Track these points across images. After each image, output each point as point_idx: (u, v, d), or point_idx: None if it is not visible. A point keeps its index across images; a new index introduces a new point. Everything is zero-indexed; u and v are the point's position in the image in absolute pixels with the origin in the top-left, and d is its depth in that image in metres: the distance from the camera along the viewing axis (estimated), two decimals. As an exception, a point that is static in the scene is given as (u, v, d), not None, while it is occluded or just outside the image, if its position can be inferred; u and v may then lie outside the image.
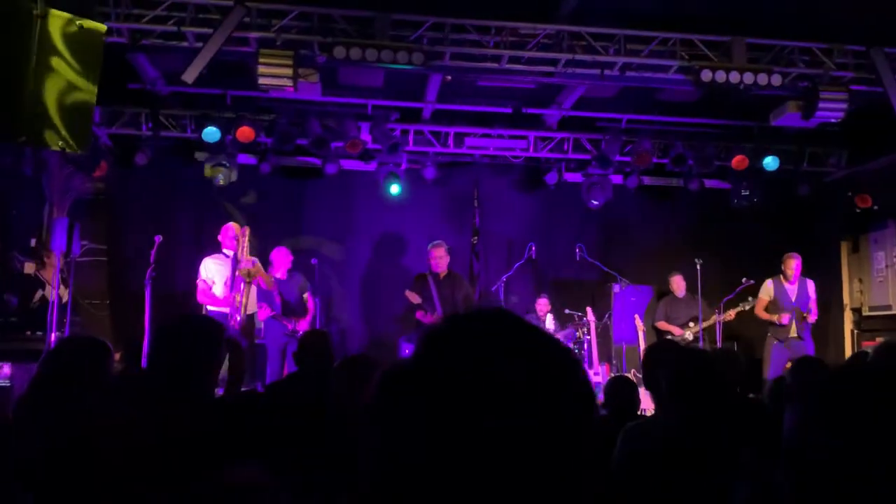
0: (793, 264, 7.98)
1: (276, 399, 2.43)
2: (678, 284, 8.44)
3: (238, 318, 6.73)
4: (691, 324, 8.25)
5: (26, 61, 4.70)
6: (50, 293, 7.35)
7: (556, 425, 0.74)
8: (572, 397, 0.77)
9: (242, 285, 6.78)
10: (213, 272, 6.95)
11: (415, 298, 7.31)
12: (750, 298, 8.13)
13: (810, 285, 8.11)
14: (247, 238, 6.88)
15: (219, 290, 6.91)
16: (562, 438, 0.74)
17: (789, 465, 1.04)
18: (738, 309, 8.14)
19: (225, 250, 7.01)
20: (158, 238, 6.84)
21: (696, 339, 8.17)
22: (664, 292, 8.77)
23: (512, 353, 0.76)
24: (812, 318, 7.95)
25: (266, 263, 7.64)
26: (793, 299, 7.98)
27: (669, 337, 8.29)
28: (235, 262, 6.85)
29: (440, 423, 0.72)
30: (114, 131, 8.35)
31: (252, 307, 7.04)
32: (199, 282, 6.99)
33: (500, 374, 0.74)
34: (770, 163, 8.70)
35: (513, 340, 0.78)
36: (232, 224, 7.07)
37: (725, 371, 4.13)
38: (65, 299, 7.18)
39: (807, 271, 8.18)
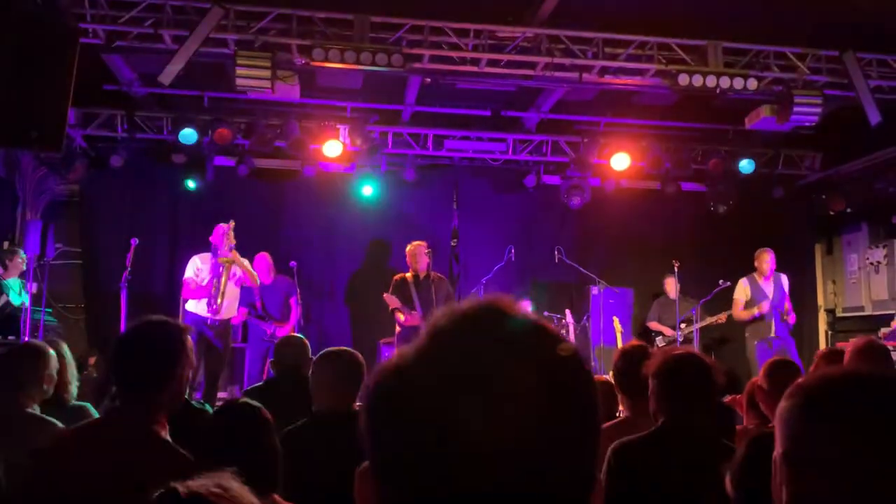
0: (767, 258, 7.98)
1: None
2: (671, 286, 8.49)
3: (215, 307, 6.68)
4: (683, 325, 8.30)
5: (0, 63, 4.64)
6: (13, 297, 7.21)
7: (562, 432, 0.72)
8: (581, 403, 0.75)
9: (221, 269, 6.75)
10: (203, 271, 6.87)
11: (393, 302, 7.24)
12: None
13: (784, 280, 8.11)
14: (230, 231, 6.83)
15: (199, 305, 6.84)
16: (566, 447, 0.73)
17: (793, 473, 1.03)
18: (730, 312, 8.20)
19: (215, 249, 6.94)
20: (135, 241, 6.78)
21: (686, 340, 8.21)
22: (657, 293, 8.82)
23: (516, 352, 0.74)
24: (792, 320, 7.98)
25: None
26: (769, 295, 8.00)
27: (661, 338, 8.34)
28: (218, 262, 6.82)
29: (438, 425, 0.70)
30: (89, 132, 8.26)
31: (231, 311, 6.98)
32: (185, 279, 6.92)
33: (503, 374, 0.72)
34: (745, 166, 8.80)
35: (518, 338, 0.76)
36: (221, 224, 6.99)
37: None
38: (27, 304, 7.06)
39: (780, 270, 8.22)
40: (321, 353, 3.28)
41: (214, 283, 6.73)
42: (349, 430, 2.72)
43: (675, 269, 8.09)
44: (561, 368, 0.75)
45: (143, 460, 2.02)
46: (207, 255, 6.97)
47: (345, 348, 3.34)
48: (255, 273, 7.15)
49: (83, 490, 1.89)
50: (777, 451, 1.09)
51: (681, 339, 8.19)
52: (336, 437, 2.69)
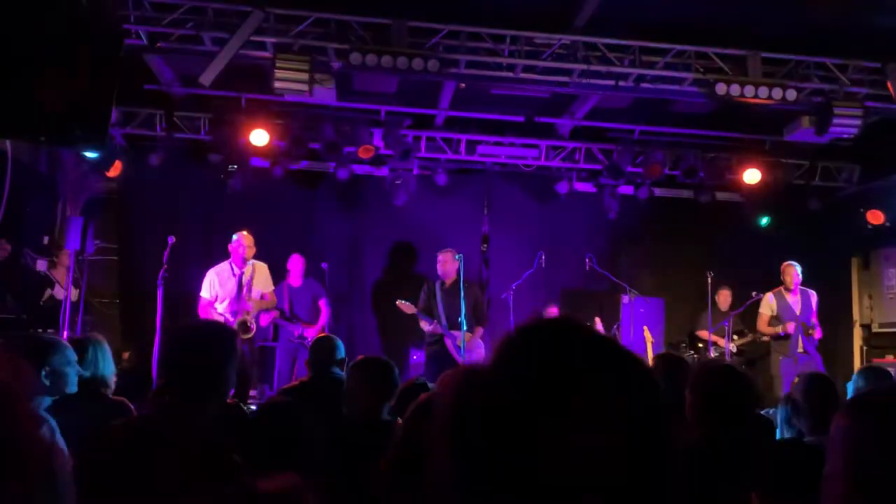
0: (792, 272, 7.88)
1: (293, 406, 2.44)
2: (725, 298, 8.39)
3: (237, 308, 6.88)
4: (735, 336, 8.23)
5: (45, 62, 4.74)
6: (59, 292, 7.38)
7: (646, 446, 0.73)
8: (659, 417, 0.76)
9: (241, 277, 6.89)
10: (217, 287, 6.98)
11: (407, 309, 7.25)
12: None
13: (812, 296, 8.00)
14: (243, 241, 6.94)
15: (222, 306, 6.94)
16: (650, 461, 0.73)
17: (855, 492, 1.02)
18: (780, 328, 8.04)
19: (233, 265, 7.03)
20: (171, 239, 6.87)
21: (739, 352, 8.17)
22: (697, 305, 8.71)
23: (594, 368, 0.75)
24: (818, 335, 7.84)
25: (282, 271, 7.72)
26: (797, 311, 7.89)
27: (713, 347, 8.26)
28: (240, 282, 6.91)
29: (519, 439, 0.71)
30: (128, 131, 8.40)
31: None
32: (201, 296, 7.03)
33: (587, 391, 0.73)
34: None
35: (596, 354, 0.77)
36: (240, 236, 7.07)
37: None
38: (75, 299, 7.21)
39: (813, 285, 8.11)
40: (357, 359, 3.32)
41: (238, 287, 6.87)
42: (381, 437, 2.75)
43: (709, 280, 8.00)
44: (639, 384, 0.77)
45: (191, 457, 2.06)
46: (225, 271, 7.06)
47: (379, 357, 3.39)
48: (273, 302, 7.29)
49: (130, 484, 1.93)
50: (834, 468, 1.08)
51: (733, 351, 8.13)
52: (364, 443, 2.72)
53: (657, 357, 3.60)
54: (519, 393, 0.74)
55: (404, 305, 7.24)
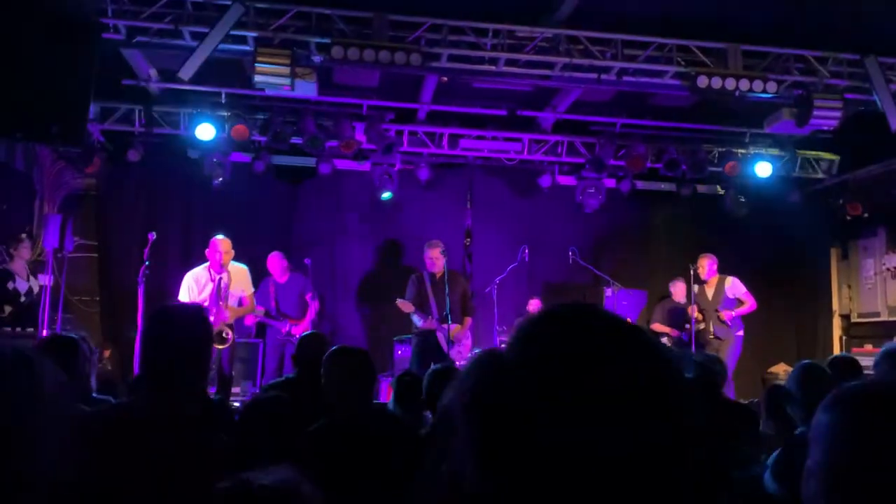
0: (705, 263, 8.14)
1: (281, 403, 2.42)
2: (680, 290, 8.49)
3: (216, 312, 6.78)
4: (686, 326, 8.30)
5: (22, 57, 4.66)
6: (21, 284, 7.23)
7: (666, 428, 0.72)
8: (680, 398, 0.75)
9: (219, 282, 6.81)
10: (195, 292, 6.84)
11: (407, 308, 7.20)
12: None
13: (728, 282, 8.18)
14: (219, 246, 6.83)
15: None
16: (669, 443, 0.73)
17: (835, 486, 1.02)
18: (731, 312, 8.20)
19: (210, 270, 6.91)
20: (152, 235, 6.81)
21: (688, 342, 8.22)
22: (664, 295, 8.80)
23: (616, 357, 0.74)
24: (727, 318, 8.00)
25: (262, 272, 7.67)
26: (710, 299, 8.18)
27: (666, 338, 8.31)
28: (218, 288, 6.84)
29: (537, 428, 0.71)
30: (107, 127, 8.29)
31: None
32: (179, 300, 6.89)
33: (606, 375, 0.72)
34: (762, 168, 8.76)
35: (619, 341, 0.76)
36: (216, 241, 6.93)
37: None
38: (35, 290, 7.10)
39: (793, 275, 8.19)
40: (332, 350, 3.29)
41: (216, 293, 6.77)
42: (369, 429, 2.73)
43: (691, 272, 8.06)
44: (659, 366, 0.76)
45: (174, 445, 2.03)
46: (203, 275, 6.92)
47: (354, 347, 3.36)
48: (252, 306, 7.22)
49: (112, 474, 1.90)
50: (814, 463, 1.08)
51: (686, 339, 8.24)
52: (357, 435, 2.70)
53: None
54: (542, 377, 0.74)
55: (403, 304, 7.17)
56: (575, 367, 0.73)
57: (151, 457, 1.95)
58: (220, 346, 6.58)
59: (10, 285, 7.23)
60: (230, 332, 6.77)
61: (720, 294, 8.19)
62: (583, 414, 0.71)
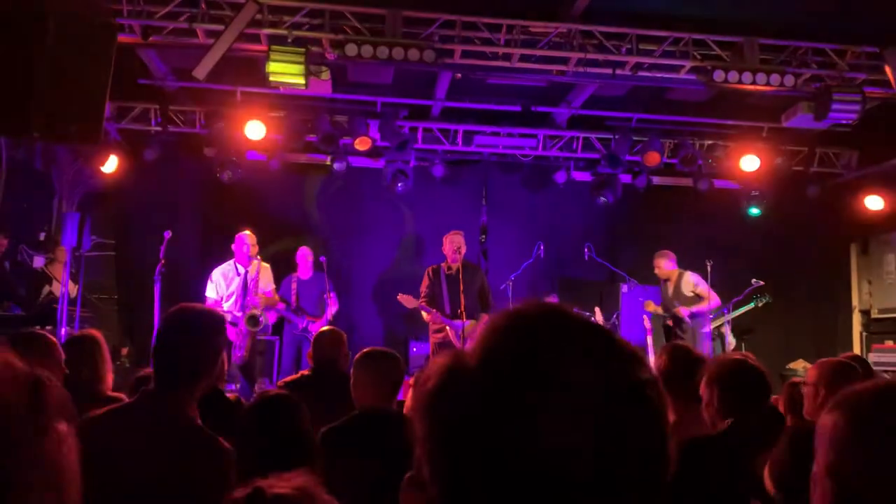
0: (660, 263, 8.06)
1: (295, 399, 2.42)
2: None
3: (242, 304, 7.05)
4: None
5: (39, 58, 4.70)
6: (58, 289, 7.35)
7: (631, 433, 0.70)
8: (648, 404, 0.73)
9: (247, 276, 6.96)
10: (223, 287, 7.14)
11: (409, 303, 7.19)
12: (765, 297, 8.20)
13: (685, 277, 8.01)
14: (246, 240, 7.09)
15: (228, 304, 7.03)
16: (635, 448, 0.71)
17: (839, 490, 1.00)
18: (751, 306, 8.19)
19: (238, 264, 7.12)
20: (168, 233, 6.85)
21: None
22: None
23: (582, 357, 0.72)
24: (683, 314, 7.83)
25: (280, 264, 7.74)
26: (670, 295, 8.05)
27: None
28: (246, 280, 7.07)
29: (506, 429, 0.69)
30: (123, 126, 8.36)
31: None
32: (206, 296, 7.15)
33: (570, 376, 0.70)
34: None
35: (581, 340, 0.74)
36: (243, 235, 7.18)
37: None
38: (73, 294, 7.19)
39: (813, 270, 8.06)
40: (363, 352, 3.29)
41: (244, 285, 6.95)
42: (390, 430, 2.74)
43: (708, 268, 7.99)
44: (624, 369, 0.74)
45: (178, 444, 2.04)
46: (229, 265, 7.20)
47: (385, 349, 3.37)
48: (275, 299, 7.42)
49: (115, 471, 1.91)
50: (819, 465, 1.06)
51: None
52: (377, 435, 2.70)
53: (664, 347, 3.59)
54: (498, 381, 0.72)
55: (406, 299, 7.17)
56: (541, 369, 0.71)
57: (149, 460, 1.96)
58: (253, 329, 6.81)
59: (47, 289, 7.35)
60: (263, 317, 7.04)
61: (678, 290, 8.02)
62: (549, 418, 0.68)
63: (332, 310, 7.73)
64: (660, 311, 8.09)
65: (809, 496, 1.09)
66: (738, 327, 8.44)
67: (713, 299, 7.88)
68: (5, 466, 0.70)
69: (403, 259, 9.16)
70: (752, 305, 8.28)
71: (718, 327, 8.34)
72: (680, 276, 8.05)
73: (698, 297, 7.93)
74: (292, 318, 7.74)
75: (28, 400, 0.74)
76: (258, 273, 7.15)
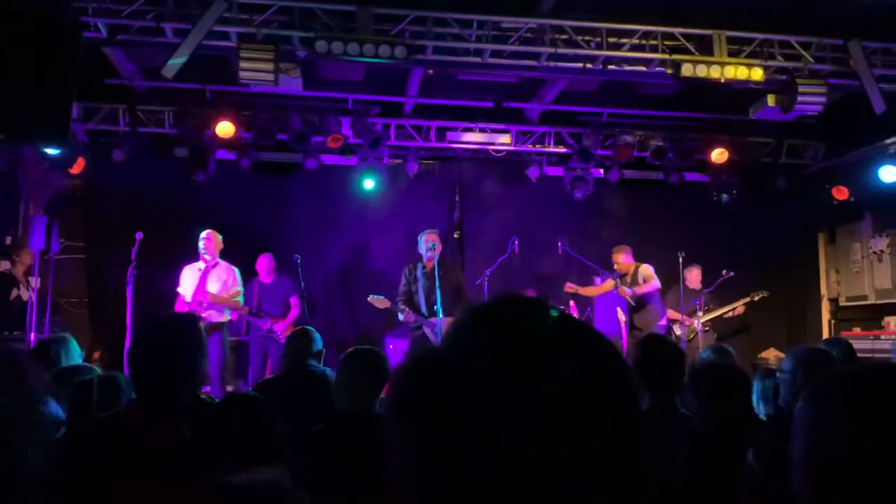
0: (619, 259, 8.17)
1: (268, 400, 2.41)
2: (695, 276, 8.52)
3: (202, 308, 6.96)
4: (699, 313, 8.33)
5: (3, 59, 4.61)
6: (24, 292, 7.22)
7: (604, 425, 0.70)
8: (621, 395, 0.73)
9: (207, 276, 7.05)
10: (187, 285, 7.07)
11: (380, 304, 7.19)
12: (762, 292, 8.37)
13: (643, 268, 8.12)
14: (204, 240, 7.05)
15: (188, 298, 6.99)
16: (608, 440, 0.70)
17: (819, 477, 1.01)
18: (748, 299, 8.31)
19: (199, 263, 7.08)
20: (139, 235, 6.76)
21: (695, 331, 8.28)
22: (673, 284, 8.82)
23: (552, 347, 0.71)
24: (626, 292, 8.01)
25: (251, 272, 7.68)
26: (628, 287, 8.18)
27: (676, 326, 8.32)
28: (206, 274, 7.05)
29: (478, 424, 0.68)
30: (91, 127, 8.23)
31: (218, 314, 7.10)
32: (178, 292, 7.13)
33: (540, 370, 0.69)
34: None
35: (552, 333, 0.73)
36: (207, 234, 7.15)
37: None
38: (25, 298, 7.09)
39: (781, 260, 8.16)
40: (349, 351, 3.26)
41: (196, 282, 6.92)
42: (371, 431, 2.72)
43: (680, 259, 8.08)
44: (597, 361, 0.74)
45: (163, 452, 2.02)
46: (198, 262, 7.16)
47: (371, 348, 3.33)
48: (239, 302, 7.28)
49: (102, 479, 1.89)
50: (797, 454, 1.06)
51: (706, 329, 8.27)
52: (358, 437, 2.69)
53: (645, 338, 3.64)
54: (466, 375, 0.71)
55: (376, 301, 7.16)
56: (511, 361, 0.70)
57: (131, 465, 1.94)
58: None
59: (15, 292, 7.21)
60: (205, 312, 6.89)
61: (634, 282, 8.12)
62: (520, 411, 0.68)
63: (293, 313, 7.69)
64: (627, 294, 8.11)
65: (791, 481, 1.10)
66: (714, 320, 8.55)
67: (651, 284, 7.97)
68: None
69: (378, 256, 9.13)
70: (748, 300, 8.41)
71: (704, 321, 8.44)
72: (636, 269, 8.15)
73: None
74: (254, 321, 7.70)
75: None
76: (215, 269, 7.08)
